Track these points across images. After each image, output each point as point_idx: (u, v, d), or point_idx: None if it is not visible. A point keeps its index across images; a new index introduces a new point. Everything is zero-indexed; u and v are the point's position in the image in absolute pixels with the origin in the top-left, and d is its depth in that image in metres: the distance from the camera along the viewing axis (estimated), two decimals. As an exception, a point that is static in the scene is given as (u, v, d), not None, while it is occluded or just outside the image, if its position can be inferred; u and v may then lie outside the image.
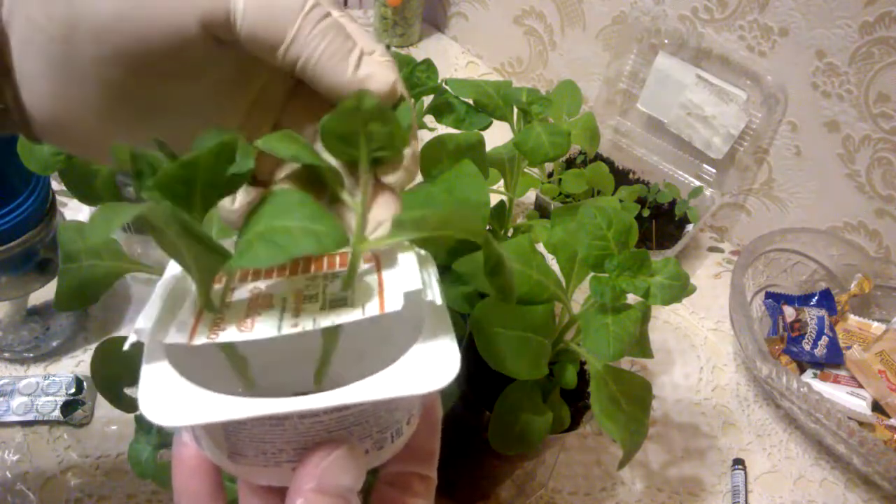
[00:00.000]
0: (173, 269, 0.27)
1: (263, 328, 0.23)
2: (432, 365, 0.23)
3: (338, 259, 0.27)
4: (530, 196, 0.86)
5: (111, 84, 0.25)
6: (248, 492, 0.26)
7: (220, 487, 0.26)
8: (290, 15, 0.25)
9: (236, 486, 0.27)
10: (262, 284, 0.26)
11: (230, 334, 0.23)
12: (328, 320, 0.24)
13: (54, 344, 0.66)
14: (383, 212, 0.26)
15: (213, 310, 0.25)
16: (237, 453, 0.24)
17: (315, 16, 0.25)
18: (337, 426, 0.23)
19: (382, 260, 0.27)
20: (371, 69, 0.26)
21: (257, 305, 0.25)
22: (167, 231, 0.22)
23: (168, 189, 0.22)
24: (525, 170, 0.77)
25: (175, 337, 0.23)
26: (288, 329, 0.23)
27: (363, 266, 0.27)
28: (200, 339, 0.23)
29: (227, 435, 0.24)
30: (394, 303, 0.24)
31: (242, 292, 0.26)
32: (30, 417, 0.61)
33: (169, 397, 0.22)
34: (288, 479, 0.24)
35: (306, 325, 0.23)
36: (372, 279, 0.26)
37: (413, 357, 0.24)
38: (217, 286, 0.26)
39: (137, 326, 0.23)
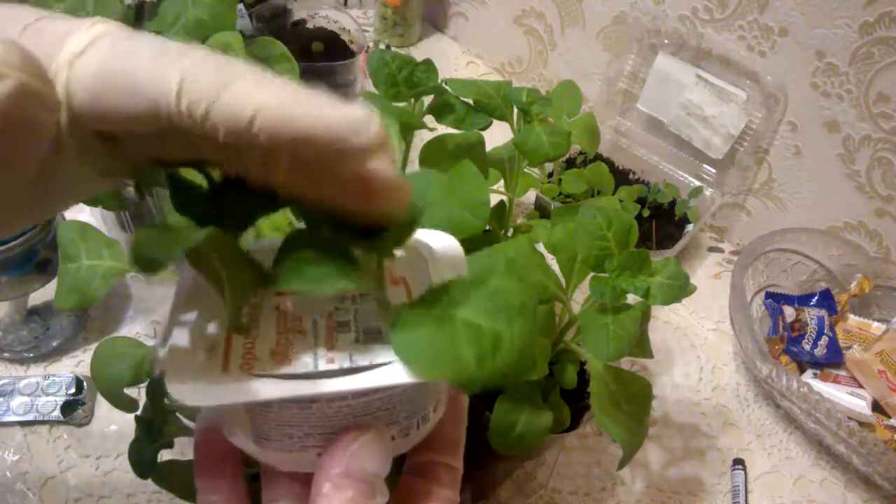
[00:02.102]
0: (187, 275, 0.26)
1: (298, 363, 0.23)
2: None
3: None
4: (530, 196, 0.86)
5: None
6: (272, 477, 0.26)
7: (241, 472, 0.26)
8: None
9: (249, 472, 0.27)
10: (288, 300, 0.26)
11: (265, 368, 0.23)
12: (366, 359, 0.23)
13: (54, 344, 0.66)
14: None
15: (243, 332, 0.24)
16: (263, 437, 0.24)
17: None
18: (363, 411, 0.23)
19: (410, 284, 0.27)
20: None
21: (287, 330, 0.25)
22: (210, 256, 0.21)
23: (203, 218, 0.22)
24: (525, 170, 0.77)
25: (208, 366, 0.23)
26: (324, 365, 0.23)
27: (390, 288, 0.26)
28: (234, 372, 0.23)
29: (252, 418, 0.23)
30: None
31: (269, 309, 0.25)
32: (30, 417, 0.61)
33: (195, 377, 0.22)
34: (313, 465, 0.23)
35: (343, 362, 0.23)
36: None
37: None
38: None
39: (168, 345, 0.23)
